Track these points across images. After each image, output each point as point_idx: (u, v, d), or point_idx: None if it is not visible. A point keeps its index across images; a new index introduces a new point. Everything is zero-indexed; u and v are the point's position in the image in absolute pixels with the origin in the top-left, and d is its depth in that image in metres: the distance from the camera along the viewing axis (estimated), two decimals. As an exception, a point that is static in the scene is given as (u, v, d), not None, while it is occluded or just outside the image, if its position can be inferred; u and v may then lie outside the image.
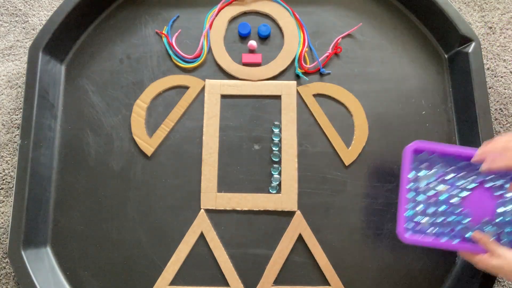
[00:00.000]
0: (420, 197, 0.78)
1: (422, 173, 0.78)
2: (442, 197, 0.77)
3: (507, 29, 0.96)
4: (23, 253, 0.79)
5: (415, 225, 0.77)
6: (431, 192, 0.78)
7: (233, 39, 0.93)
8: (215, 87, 0.90)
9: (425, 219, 0.77)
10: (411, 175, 0.77)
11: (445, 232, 0.76)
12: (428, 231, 0.76)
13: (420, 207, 0.77)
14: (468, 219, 0.76)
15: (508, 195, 0.76)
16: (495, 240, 0.73)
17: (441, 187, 0.77)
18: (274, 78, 0.91)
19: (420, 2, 0.92)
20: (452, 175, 0.78)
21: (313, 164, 0.87)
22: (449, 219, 0.77)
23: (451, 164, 0.78)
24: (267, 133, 0.88)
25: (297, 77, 0.91)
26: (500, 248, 0.66)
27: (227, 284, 0.82)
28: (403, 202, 0.75)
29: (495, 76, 0.94)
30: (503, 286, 0.84)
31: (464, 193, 0.77)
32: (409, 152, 0.76)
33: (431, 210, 0.77)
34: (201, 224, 0.84)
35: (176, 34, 0.93)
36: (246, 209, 0.85)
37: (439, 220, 0.77)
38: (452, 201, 0.77)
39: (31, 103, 0.84)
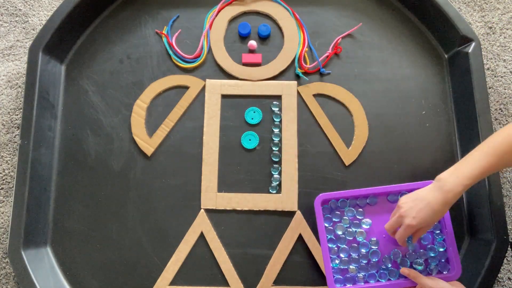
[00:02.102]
0: (342, 244, 0.80)
1: (336, 220, 0.81)
2: (360, 238, 0.79)
3: (507, 29, 0.96)
4: (23, 253, 0.79)
5: (343, 273, 0.79)
6: (350, 236, 0.80)
7: (233, 39, 0.93)
8: (216, 87, 0.90)
9: (352, 266, 0.78)
10: (327, 225, 0.80)
11: (374, 272, 0.78)
12: (359, 275, 0.78)
13: (344, 255, 0.79)
14: (390, 256, 0.78)
15: None
16: (424, 266, 0.78)
17: (358, 230, 0.80)
18: (274, 78, 0.91)
19: (420, 2, 0.92)
20: (362, 217, 0.81)
21: (313, 164, 0.87)
22: (374, 259, 0.79)
23: (360, 205, 0.81)
24: (267, 133, 0.88)
25: (297, 77, 0.91)
26: (427, 279, 0.71)
27: (227, 284, 0.82)
28: (326, 253, 0.77)
29: (495, 76, 0.94)
30: (503, 286, 0.84)
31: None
32: (317, 206, 0.79)
33: (355, 254, 0.79)
34: (201, 224, 0.84)
35: (176, 34, 0.93)
36: (246, 209, 0.85)
37: (364, 262, 0.79)
38: (371, 240, 0.79)
39: (31, 103, 0.84)
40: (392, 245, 0.79)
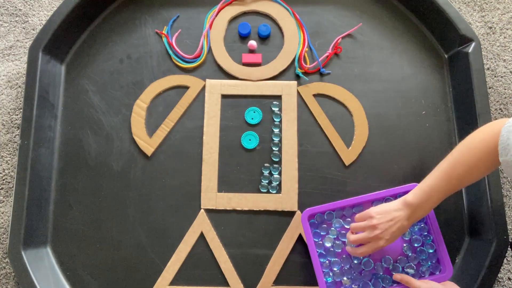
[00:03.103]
0: (332, 257, 0.79)
1: (324, 234, 0.80)
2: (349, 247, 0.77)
3: (507, 29, 0.96)
4: (23, 253, 0.79)
5: (337, 286, 0.78)
6: (339, 249, 0.79)
7: (233, 39, 0.93)
8: (216, 87, 0.90)
9: (345, 278, 0.78)
10: (316, 240, 0.80)
11: (368, 282, 0.78)
12: (353, 287, 0.78)
13: (336, 268, 0.79)
14: (382, 263, 0.78)
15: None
16: (416, 269, 0.78)
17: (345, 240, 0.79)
18: (274, 78, 0.91)
19: (420, 2, 0.92)
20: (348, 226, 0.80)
21: (313, 164, 0.87)
22: (367, 268, 0.78)
23: (347, 215, 0.81)
24: (267, 133, 0.88)
25: (297, 77, 0.91)
26: (421, 282, 0.72)
27: (227, 284, 0.82)
28: (318, 269, 0.76)
29: (495, 76, 0.94)
30: (503, 286, 0.84)
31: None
32: (304, 221, 0.78)
33: (347, 266, 0.79)
34: (201, 224, 0.84)
35: (176, 34, 0.93)
36: (246, 209, 0.85)
37: (357, 272, 0.78)
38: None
39: (31, 103, 0.84)
40: (383, 252, 0.79)
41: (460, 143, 0.67)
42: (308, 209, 0.79)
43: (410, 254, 0.79)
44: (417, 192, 0.68)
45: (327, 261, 0.79)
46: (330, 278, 0.78)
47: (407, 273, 0.77)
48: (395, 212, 0.69)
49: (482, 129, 0.65)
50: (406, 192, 0.74)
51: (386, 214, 0.70)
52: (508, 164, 0.58)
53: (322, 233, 0.81)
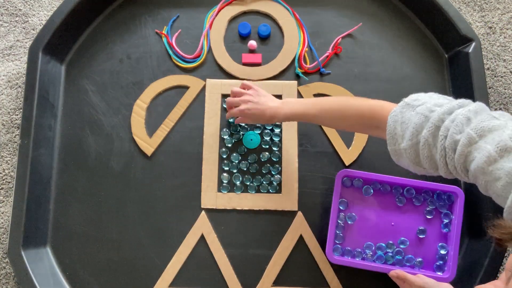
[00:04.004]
0: (352, 220, 0.82)
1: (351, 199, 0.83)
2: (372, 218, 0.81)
3: (507, 29, 0.96)
4: (23, 253, 0.79)
5: (344, 246, 0.81)
6: (361, 215, 0.82)
7: (233, 39, 0.93)
8: (216, 87, 0.90)
9: (362, 243, 0.81)
10: (342, 202, 0.82)
11: (380, 254, 0.80)
12: (367, 252, 0.80)
13: (352, 230, 0.81)
14: (403, 239, 0.80)
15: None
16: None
17: (371, 212, 0.82)
18: (274, 78, 0.91)
19: (420, 2, 0.92)
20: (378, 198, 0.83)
21: (313, 164, 0.87)
22: (381, 242, 0.81)
23: (384, 192, 0.83)
24: (268, 133, 0.88)
25: (297, 77, 0.91)
26: (415, 277, 0.72)
27: (227, 286, 0.82)
28: (333, 225, 0.79)
29: (495, 76, 0.94)
30: (503, 286, 0.84)
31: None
32: (338, 179, 0.80)
33: (364, 232, 0.81)
34: (202, 226, 0.84)
35: (176, 34, 0.93)
36: (246, 208, 0.85)
37: (373, 242, 0.81)
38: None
39: (31, 103, 0.84)
40: (398, 235, 0.81)
41: (349, 102, 0.69)
42: (344, 169, 0.81)
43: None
44: (295, 107, 0.75)
45: (341, 233, 0.81)
46: (337, 253, 0.80)
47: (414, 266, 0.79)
48: (271, 102, 0.78)
49: (371, 103, 0.65)
50: (445, 191, 0.80)
51: (261, 97, 0.79)
52: (396, 153, 0.59)
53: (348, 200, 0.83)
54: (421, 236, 0.80)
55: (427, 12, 0.92)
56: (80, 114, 0.89)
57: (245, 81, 0.84)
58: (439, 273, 0.78)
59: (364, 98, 0.68)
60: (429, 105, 0.56)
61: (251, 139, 0.87)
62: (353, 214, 0.82)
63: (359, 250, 0.80)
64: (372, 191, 0.82)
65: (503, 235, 0.43)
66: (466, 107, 0.53)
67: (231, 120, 0.88)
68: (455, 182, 0.83)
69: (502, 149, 0.46)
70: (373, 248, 0.80)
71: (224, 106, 0.89)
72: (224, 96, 0.90)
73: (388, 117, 0.59)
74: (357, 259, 0.80)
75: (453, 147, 0.51)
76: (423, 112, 0.55)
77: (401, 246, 0.80)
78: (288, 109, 0.75)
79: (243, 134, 0.87)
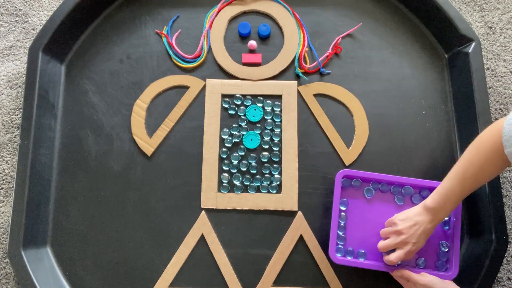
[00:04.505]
0: (353, 220, 0.82)
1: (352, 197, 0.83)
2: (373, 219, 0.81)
3: (507, 29, 0.96)
4: (23, 253, 0.79)
5: (345, 246, 0.81)
6: (363, 216, 0.82)
7: (233, 39, 0.93)
8: (216, 87, 0.90)
9: (362, 243, 0.81)
10: (342, 202, 0.82)
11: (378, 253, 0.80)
12: (361, 251, 0.80)
13: (353, 230, 0.81)
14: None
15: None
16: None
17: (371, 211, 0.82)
18: (274, 78, 0.91)
19: (420, 2, 0.92)
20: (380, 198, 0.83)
21: (313, 164, 0.87)
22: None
23: (383, 191, 0.83)
24: (268, 133, 0.88)
25: (297, 77, 0.91)
26: (418, 276, 0.73)
27: (227, 286, 0.82)
28: (335, 226, 0.79)
29: (495, 76, 0.94)
30: (502, 286, 0.84)
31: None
32: (338, 179, 0.80)
33: (364, 231, 0.81)
34: (202, 226, 0.84)
35: (176, 34, 0.93)
36: (246, 208, 0.85)
37: (373, 242, 0.80)
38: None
39: (31, 103, 0.84)
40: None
41: (470, 144, 0.68)
42: (344, 170, 0.81)
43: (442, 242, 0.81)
44: (434, 196, 0.71)
45: (342, 234, 0.81)
46: (339, 254, 0.80)
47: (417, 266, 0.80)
48: (417, 216, 0.72)
49: (488, 128, 0.66)
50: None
51: (409, 220, 0.73)
52: None
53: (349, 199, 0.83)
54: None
55: (427, 12, 0.92)
56: (80, 114, 0.89)
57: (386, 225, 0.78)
58: (441, 272, 0.78)
59: (477, 139, 0.67)
60: None
61: (251, 139, 0.87)
62: (354, 213, 0.82)
63: (361, 250, 0.80)
64: (373, 192, 0.82)
65: None
66: None
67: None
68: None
69: None
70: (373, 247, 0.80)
71: (224, 106, 0.89)
72: (224, 96, 0.90)
73: (504, 122, 0.61)
74: (361, 259, 0.80)
75: None
76: None
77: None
78: (444, 209, 0.71)
79: (243, 134, 0.87)
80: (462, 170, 0.68)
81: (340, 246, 0.80)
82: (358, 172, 0.81)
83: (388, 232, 0.75)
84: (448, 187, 0.70)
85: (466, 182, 0.68)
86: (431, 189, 0.82)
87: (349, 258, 0.80)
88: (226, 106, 0.89)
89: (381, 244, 0.75)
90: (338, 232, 0.81)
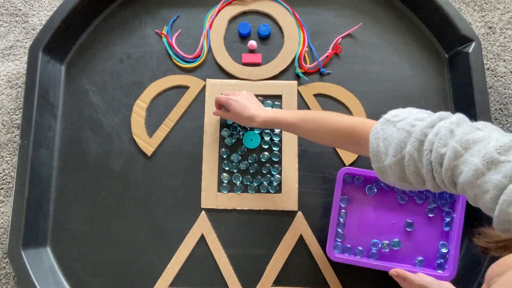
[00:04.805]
0: (353, 218, 0.82)
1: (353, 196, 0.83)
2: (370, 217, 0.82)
3: (507, 29, 0.96)
4: (23, 253, 0.79)
5: (344, 244, 0.81)
6: (362, 213, 0.82)
7: (233, 39, 0.93)
8: (216, 87, 0.90)
9: (361, 241, 0.81)
10: (343, 200, 0.82)
11: (375, 251, 0.81)
12: (359, 248, 0.81)
13: (353, 228, 0.82)
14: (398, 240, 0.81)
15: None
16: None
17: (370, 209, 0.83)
18: (274, 78, 0.91)
19: (420, 2, 0.91)
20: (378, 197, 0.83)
21: (313, 164, 0.87)
22: (377, 239, 0.81)
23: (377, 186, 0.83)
24: (268, 133, 0.88)
25: (297, 77, 0.91)
26: (415, 276, 0.73)
27: (227, 286, 0.82)
28: (334, 223, 0.79)
29: (495, 76, 0.94)
30: (503, 286, 0.84)
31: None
32: (339, 177, 0.80)
33: (364, 229, 0.82)
34: (202, 226, 0.84)
35: (176, 34, 0.93)
36: (246, 208, 0.85)
37: (373, 239, 0.81)
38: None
39: (31, 103, 0.84)
40: (394, 235, 0.81)
41: (331, 116, 0.67)
42: (347, 167, 0.81)
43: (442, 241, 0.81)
44: (275, 113, 0.75)
45: (341, 231, 0.81)
46: (337, 251, 0.80)
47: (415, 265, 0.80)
48: (256, 105, 0.80)
49: (352, 120, 0.65)
50: None
51: (252, 98, 0.82)
52: (381, 170, 0.58)
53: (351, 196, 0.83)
54: (408, 229, 0.81)
55: (427, 12, 0.92)
56: (80, 114, 0.89)
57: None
58: (439, 272, 0.78)
59: (345, 115, 0.68)
60: (409, 120, 0.55)
61: (251, 139, 0.87)
62: (354, 211, 0.82)
63: (360, 248, 0.80)
64: (375, 190, 0.82)
65: (488, 244, 0.43)
66: (448, 119, 0.53)
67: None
68: None
69: (488, 161, 0.45)
70: (373, 244, 0.80)
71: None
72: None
73: (370, 135, 0.58)
74: (358, 257, 0.80)
75: (439, 161, 0.50)
76: (405, 128, 0.54)
77: (401, 244, 0.80)
78: (271, 113, 0.76)
79: (243, 134, 0.87)
80: (311, 123, 0.69)
81: (338, 243, 0.80)
82: (360, 170, 0.81)
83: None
84: (288, 122, 0.72)
85: (304, 132, 0.72)
86: None
87: (346, 255, 0.80)
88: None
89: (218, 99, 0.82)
90: (337, 229, 0.81)
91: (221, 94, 0.84)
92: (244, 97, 0.80)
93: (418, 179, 0.54)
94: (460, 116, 0.53)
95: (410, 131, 0.54)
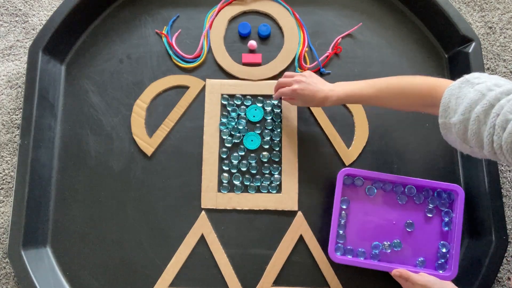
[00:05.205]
0: (353, 219, 0.82)
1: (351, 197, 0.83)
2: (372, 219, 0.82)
3: (507, 29, 0.96)
4: (23, 253, 0.79)
5: (345, 245, 0.81)
6: (362, 215, 0.82)
7: (233, 39, 0.93)
8: (216, 87, 0.90)
9: (361, 242, 0.81)
10: (343, 201, 0.82)
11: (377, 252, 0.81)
12: (360, 250, 0.81)
13: (354, 229, 0.82)
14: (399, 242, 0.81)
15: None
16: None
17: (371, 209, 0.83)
18: (274, 78, 0.91)
19: (420, 2, 0.92)
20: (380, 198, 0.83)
21: (313, 164, 0.87)
22: (377, 240, 0.81)
23: (386, 189, 0.83)
24: (268, 133, 0.88)
25: (297, 77, 0.91)
26: (417, 276, 0.73)
27: (227, 286, 0.81)
28: (335, 224, 0.79)
29: (495, 76, 0.94)
30: (502, 286, 0.84)
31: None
32: (340, 177, 0.80)
33: (364, 231, 0.81)
34: (202, 226, 0.84)
35: (176, 34, 0.93)
36: (246, 208, 0.85)
37: (373, 241, 0.81)
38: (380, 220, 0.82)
39: (31, 103, 0.84)
40: (394, 235, 0.81)
41: (406, 81, 0.69)
42: (347, 168, 0.81)
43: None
44: (349, 88, 0.74)
45: (342, 232, 0.81)
46: (339, 252, 0.80)
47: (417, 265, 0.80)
48: (324, 85, 0.77)
49: (429, 81, 0.65)
50: (446, 190, 0.81)
51: (314, 78, 0.78)
52: (446, 126, 0.59)
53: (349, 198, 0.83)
54: (409, 230, 0.81)
55: (427, 12, 0.92)
56: (80, 114, 0.89)
57: (287, 72, 0.83)
58: (440, 272, 0.78)
59: (419, 76, 0.68)
60: (489, 83, 0.55)
61: (252, 140, 0.87)
62: (354, 212, 0.82)
63: (361, 249, 0.80)
64: (375, 190, 0.82)
65: None
66: None
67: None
68: (456, 180, 0.84)
69: None
70: (374, 247, 0.80)
71: (223, 102, 0.89)
72: (224, 96, 0.90)
73: (446, 90, 0.59)
74: (360, 258, 0.80)
75: (504, 125, 0.50)
76: (481, 90, 0.54)
77: (402, 245, 0.80)
78: (342, 91, 0.74)
79: (243, 135, 0.87)
80: (384, 93, 0.70)
81: (339, 244, 0.80)
82: (360, 170, 0.81)
83: (289, 81, 0.79)
84: (363, 94, 0.73)
85: (379, 102, 0.72)
86: (434, 189, 0.82)
87: (348, 257, 0.80)
88: (226, 105, 0.89)
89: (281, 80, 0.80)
90: (338, 230, 0.81)
91: (284, 74, 0.82)
92: (307, 80, 0.77)
93: (478, 142, 0.54)
94: None
95: (485, 94, 0.54)
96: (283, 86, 0.80)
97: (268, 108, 0.89)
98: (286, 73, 0.81)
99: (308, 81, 0.77)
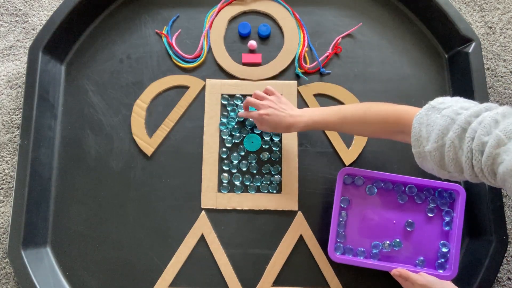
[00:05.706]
0: (353, 219, 0.82)
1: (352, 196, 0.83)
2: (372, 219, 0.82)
3: (507, 29, 0.96)
4: (23, 253, 0.79)
5: (345, 244, 0.81)
6: (363, 215, 0.82)
7: (233, 39, 0.93)
8: (216, 87, 0.90)
9: (361, 241, 0.81)
10: (343, 200, 0.82)
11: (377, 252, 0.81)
12: (360, 249, 0.81)
13: (354, 228, 0.82)
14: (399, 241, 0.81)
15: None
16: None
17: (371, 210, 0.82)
18: (274, 78, 0.91)
19: (420, 2, 0.92)
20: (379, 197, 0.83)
21: (313, 164, 0.87)
22: (378, 240, 0.81)
23: (386, 189, 0.83)
24: (268, 133, 0.88)
25: (297, 77, 0.91)
26: (417, 276, 0.73)
27: (227, 286, 0.82)
28: (335, 224, 0.79)
29: (495, 76, 0.94)
30: (503, 286, 0.84)
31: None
32: (340, 177, 0.80)
33: (365, 231, 0.81)
34: (202, 226, 0.84)
35: (176, 34, 0.93)
36: (246, 208, 0.85)
37: (374, 241, 0.81)
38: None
39: (31, 103, 0.84)
40: (394, 235, 0.81)
41: (372, 109, 0.69)
42: (347, 167, 0.81)
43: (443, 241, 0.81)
44: (315, 115, 0.74)
45: (342, 232, 0.81)
46: (339, 252, 0.80)
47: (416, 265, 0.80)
48: (291, 110, 0.77)
49: (396, 109, 0.65)
50: (446, 189, 0.81)
51: (282, 104, 0.78)
52: (420, 155, 0.59)
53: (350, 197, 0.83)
54: (409, 229, 0.81)
55: (427, 12, 0.92)
56: (80, 114, 0.89)
57: (269, 87, 0.82)
58: (440, 271, 0.78)
59: (385, 104, 0.68)
60: (455, 108, 0.55)
61: (252, 142, 0.87)
62: (355, 212, 0.82)
63: (361, 249, 0.80)
64: (376, 190, 0.82)
65: None
66: (494, 110, 0.52)
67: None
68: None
69: None
70: (374, 246, 0.80)
71: (223, 102, 0.89)
72: (224, 96, 0.90)
73: (414, 119, 0.59)
74: (360, 258, 0.80)
75: (481, 149, 0.50)
76: (449, 115, 0.54)
77: (402, 244, 0.80)
78: (309, 118, 0.75)
79: (243, 136, 0.87)
80: (349, 119, 0.70)
81: (339, 244, 0.80)
82: (361, 170, 0.81)
83: (257, 102, 0.79)
84: (328, 122, 0.73)
85: (343, 128, 0.73)
86: (434, 189, 0.82)
87: (348, 256, 0.80)
88: (226, 105, 0.89)
89: (247, 101, 0.80)
90: (338, 230, 0.81)
91: (254, 93, 0.81)
92: (274, 105, 0.77)
93: (457, 167, 0.54)
94: (506, 108, 0.52)
95: (454, 119, 0.54)
96: (251, 105, 0.81)
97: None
98: (256, 93, 0.81)
99: (276, 107, 0.77)
